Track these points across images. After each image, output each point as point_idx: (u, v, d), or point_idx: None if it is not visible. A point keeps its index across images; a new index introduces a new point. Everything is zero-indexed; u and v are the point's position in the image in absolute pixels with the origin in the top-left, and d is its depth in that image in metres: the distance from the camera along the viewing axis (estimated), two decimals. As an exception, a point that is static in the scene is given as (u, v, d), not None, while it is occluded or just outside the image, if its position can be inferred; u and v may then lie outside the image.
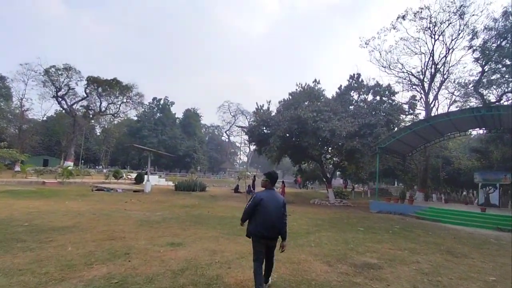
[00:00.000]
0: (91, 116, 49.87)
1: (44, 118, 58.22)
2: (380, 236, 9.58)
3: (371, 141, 19.93)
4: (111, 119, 60.84)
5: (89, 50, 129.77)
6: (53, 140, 55.14)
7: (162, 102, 70.93)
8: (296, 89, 23.26)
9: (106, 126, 63.10)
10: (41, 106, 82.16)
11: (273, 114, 22.53)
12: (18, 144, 45.10)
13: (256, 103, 22.96)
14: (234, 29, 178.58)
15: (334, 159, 21.83)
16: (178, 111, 78.43)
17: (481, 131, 29.25)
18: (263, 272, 4.41)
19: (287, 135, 21.02)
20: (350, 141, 19.80)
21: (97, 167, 59.57)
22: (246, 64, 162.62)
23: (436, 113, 25.01)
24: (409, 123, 23.79)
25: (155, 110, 70.24)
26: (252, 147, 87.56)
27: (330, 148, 23.41)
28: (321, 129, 19.58)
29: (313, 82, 23.09)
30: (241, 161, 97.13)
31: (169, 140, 65.76)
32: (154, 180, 31.92)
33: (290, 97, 22.88)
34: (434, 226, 12.58)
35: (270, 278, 4.72)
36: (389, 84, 22.55)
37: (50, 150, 56.47)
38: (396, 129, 21.51)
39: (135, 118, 68.13)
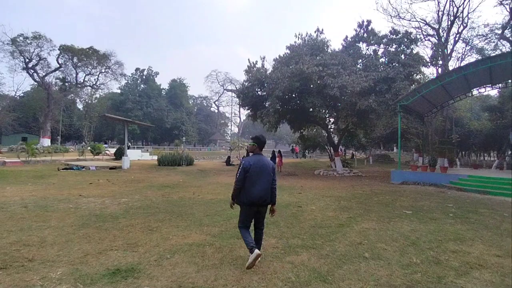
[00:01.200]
0: (67, 88, 45.30)
1: (21, 94, 53.60)
2: (449, 225, 6.44)
3: (389, 98, 16.61)
4: (92, 92, 56.08)
5: (67, 23, 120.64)
6: (29, 117, 50.60)
7: (145, 72, 65.93)
8: (295, 42, 19.45)
9: (87, 100, 58.25)
10: (13, 80, 76.51)
11: (268, 72, 18.84)
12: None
13: (248, 59, 19.13)
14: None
15: (340, 122, 18.43)
16: (163, 82, 73.40)
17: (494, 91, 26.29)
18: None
19: (287, 96, 17.51)
20: (364, 100, 16.44)
21: (83, 143, 55.65)
22: (234, 34, 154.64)
23: (453, 67, 21.70)
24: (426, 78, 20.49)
25: (138, 81, 65.37)
26: (244, 116, 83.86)
27: (334, 110, 19.86)
28: (329, 86, 16.16)
29: (315, 32, 19.25)
30: (232, 132, 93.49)
31: (155, 112, 61.60)
32: (137, 155, 28.55)
33: (288, 51, 19.08)
34: (495, 202, 9.55)
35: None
36: (407, 31, 18.89)
37: (29, 127, 52.12)
38: (414, 84, 18.24)
39: (119, 91, 63.42)
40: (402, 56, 17.76)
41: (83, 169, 18.60)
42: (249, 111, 20.66)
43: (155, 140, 68.84)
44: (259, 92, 19.56)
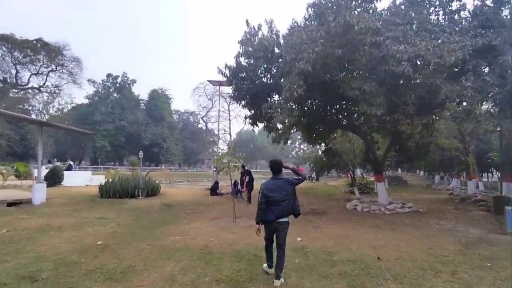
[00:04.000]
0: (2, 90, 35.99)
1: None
2: None
3: (491, 83, 9.44)
4: (49, 100, 46.59)
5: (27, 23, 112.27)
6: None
7: (119, 80, 57.38)
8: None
9: (41, 110, 48.29)
10: None
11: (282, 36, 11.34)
12: None
13: (246, 21, 11.53)
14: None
15: (400, 125, 10.68)
16: (142, 93, 65.13)
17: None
18: (275, 265, 4.48)
19: (320, 72, 9.95)
20: (450, 84, 9.20)
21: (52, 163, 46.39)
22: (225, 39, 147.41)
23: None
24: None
25: (111, 90, 56.75)
26: (235, 133, 76.25)
27: (394, 103, 11.90)
28: (392, 59, 8.82)
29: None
30: (221, 151, 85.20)
31: (130, 126, 53.15)
32: (83, 179, 20.32)
33: (310, 11, 11.58)
34: None
35: (281, 276, 4.44)
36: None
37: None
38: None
39: (87, 101, 54.90)
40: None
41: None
42: (246, 108, 12.92)
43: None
44: (264, 79, 12.06)
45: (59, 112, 48.59)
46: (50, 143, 45.00)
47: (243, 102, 12.46)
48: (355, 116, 11.26)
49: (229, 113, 61.92)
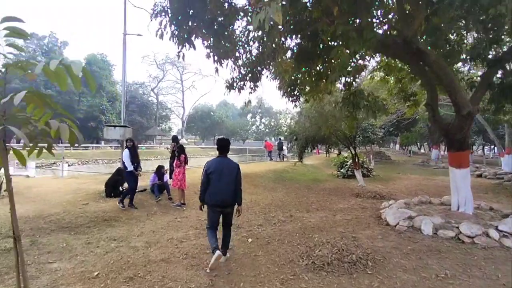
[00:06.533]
0: None
1: None
2: None
3: None
4: None
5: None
6: None
7: (46, 41, 46.64)
8: None
9: None
10: None
11: None
12: None
13: None
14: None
15: None
16: (79, 58, 54.06)
17: None
18: (221, 242, 4.25)
19: None
20: None
21: None
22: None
23: None
24: None
25: (36, 53, 45.72)
26: (188, 108, 67.19)
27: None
28: None
29: None
30: (177, 128, 75.75)
31: (59, 96, 42.84)
32: None
33: None
34: None
35: (228, 251, 4.36)
36: None
37: None
38: None
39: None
40: None
41: None
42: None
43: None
44: None
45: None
46: None
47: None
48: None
49: (181, 83, 54.00)
